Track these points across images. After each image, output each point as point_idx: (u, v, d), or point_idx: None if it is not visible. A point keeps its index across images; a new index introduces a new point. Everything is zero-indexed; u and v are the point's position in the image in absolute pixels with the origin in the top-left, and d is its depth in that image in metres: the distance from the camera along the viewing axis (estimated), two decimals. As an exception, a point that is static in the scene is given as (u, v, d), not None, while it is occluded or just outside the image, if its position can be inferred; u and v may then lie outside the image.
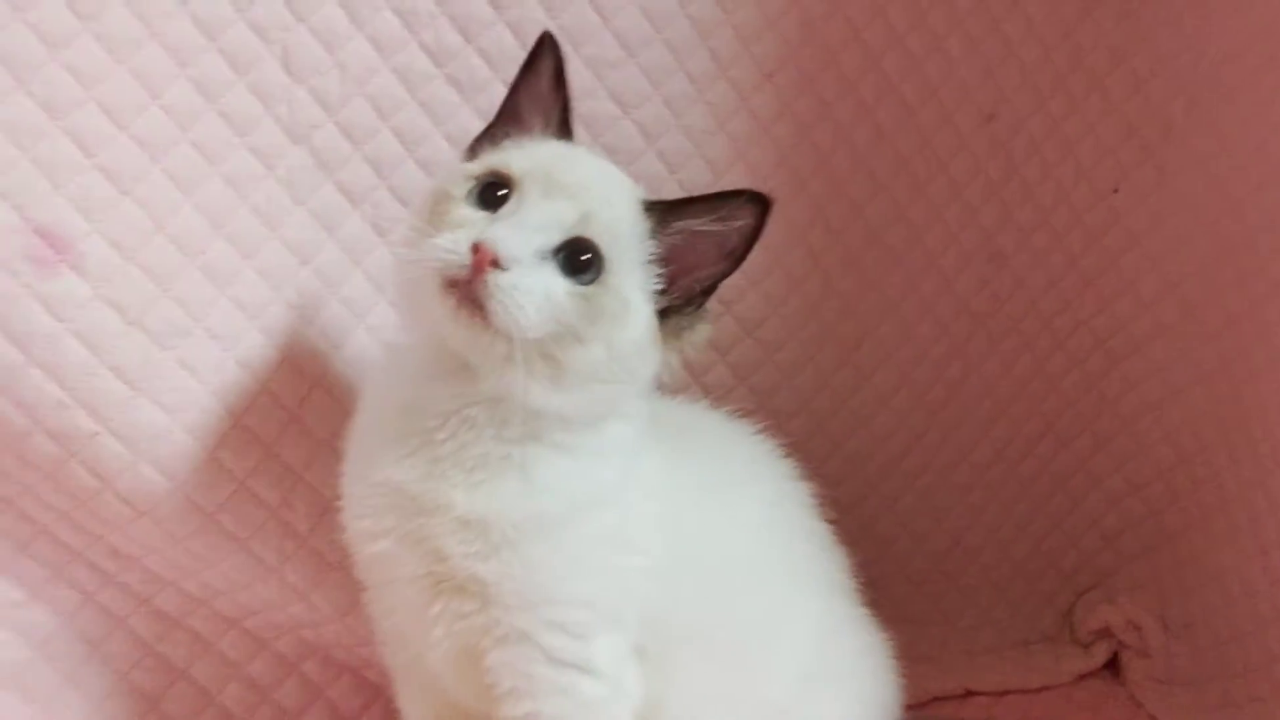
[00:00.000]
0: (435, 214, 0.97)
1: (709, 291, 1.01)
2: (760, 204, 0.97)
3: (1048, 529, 1.69)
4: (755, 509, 1.14)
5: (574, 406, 0.97)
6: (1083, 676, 1.67)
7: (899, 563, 1.62)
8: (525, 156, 0.99)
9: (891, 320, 1.52)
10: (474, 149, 1.04)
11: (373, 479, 0.99)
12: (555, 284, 0.93)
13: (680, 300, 1.00)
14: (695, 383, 1.43)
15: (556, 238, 0.94)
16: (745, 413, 1.34)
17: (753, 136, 1.39)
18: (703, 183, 1.37)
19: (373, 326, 1.27)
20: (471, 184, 0.97)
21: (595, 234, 0.95)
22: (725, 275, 1.00)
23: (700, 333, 1.02)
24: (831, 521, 1.42)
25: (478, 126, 1.17)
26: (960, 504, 1.63)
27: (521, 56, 1.06)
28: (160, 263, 1.14)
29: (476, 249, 0.90)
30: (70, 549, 1.20)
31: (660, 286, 0.98)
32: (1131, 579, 1.70)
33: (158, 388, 1.13)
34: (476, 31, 1.26)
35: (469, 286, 0.90)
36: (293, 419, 1.21)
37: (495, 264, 0.90)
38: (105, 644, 1.24)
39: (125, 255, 1.12)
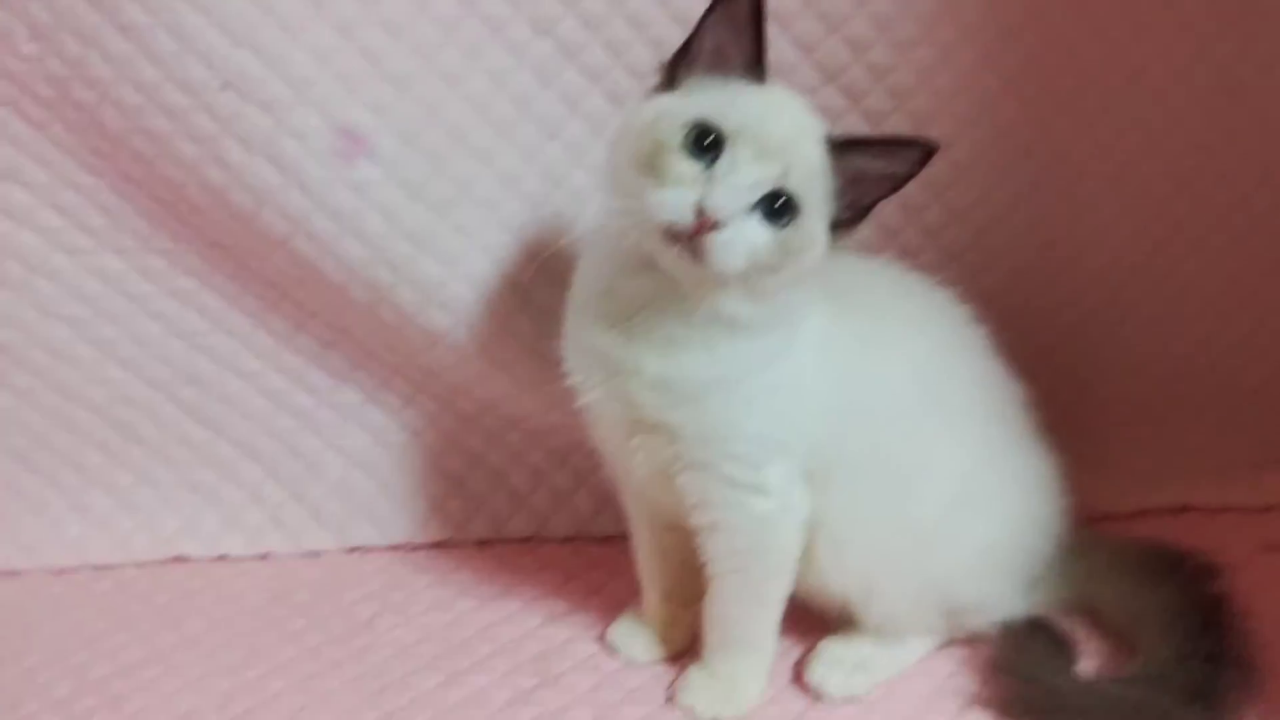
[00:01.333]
0: (651, 162, 1.11)
1: (873, 207, 1.17)
2: (924, 151, 1.13)
3: (1288, 355, 1.71)
4: (912, 354, 1.30)
5: (763, 314, 1.17)
6: (1312, 500, 1.72)
7: (1122, 386, 1.69)
8: (736, 110, 1.11)
9: (1114, 156, 1.57)
10: (670, 72, 1.16)
11: (583, 344, 1.24)
12: (760, 234, 1.10)
13: (849, 216, 1.17)
14: (911, 223, 1.57)
15: (764, 191, 1.10)
16: (960, 252, 1.50)
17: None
18: (912, 37, 1.47)
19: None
20: (683, 132, 1.10)
21: (793, 185, 1.11)
22: (886, 197, 1.16)
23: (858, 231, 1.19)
24: (1045, 347, 1.56)
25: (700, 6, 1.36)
26: (1188, 331, 1.68)
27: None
28: (435, 148, 1.42)
29: (700, 212, 1.08)
30: (392, 366, 1.56)
31: (836, 208, 1.16)
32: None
33: (438, 247, 1.44)
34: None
35: (690, 240, 1.08)
36: (543, 269, 1.47)
37: (715, 225, 1.08)
38: (423, 435, 1.61)
39: (408, 144, 1.41)
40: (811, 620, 1.44)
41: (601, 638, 1.44)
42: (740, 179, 1.09)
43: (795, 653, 1.42)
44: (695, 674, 1.35)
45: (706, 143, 1.10)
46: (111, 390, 1.54)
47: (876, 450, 1.27)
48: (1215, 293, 1.66)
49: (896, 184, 1.15)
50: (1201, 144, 1.58)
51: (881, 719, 1.34)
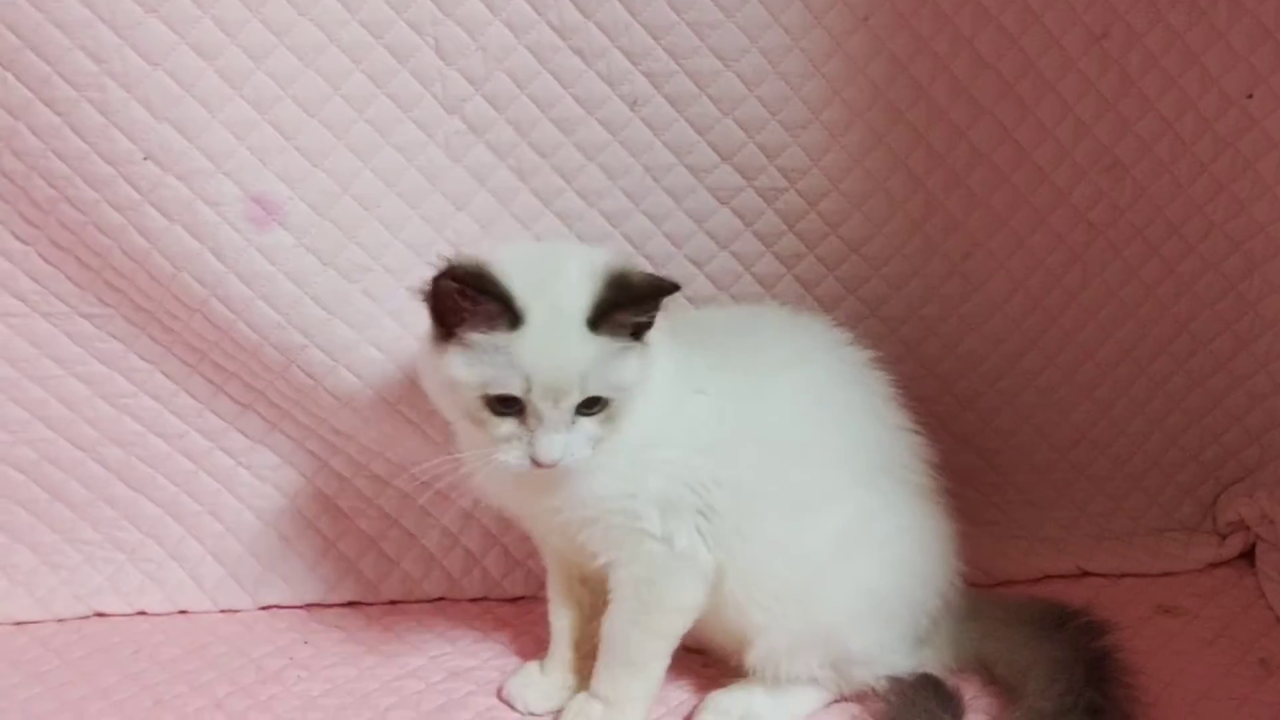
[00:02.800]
0: (471, 416, 1.23)
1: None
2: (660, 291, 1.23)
3: (1185, 424, 1.76)
4: (795, 389, 1.36)
5: (627, 428, 1.27)
6: (1213, 565, 1.76)
7: (1023, 452, 1.75)
8: (515, 373, 1.19)
9: (1001, 233, 1.64)
10: (447, 331, 1.22)
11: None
12: (588, 429, 1.22)
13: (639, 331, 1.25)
14: (808, 294, 1.64)
15: (569, 419, 1.21)
16: (856, 319, 1.56)
17: (848, 75, 1.55)
18: (801, 120, 1.56)
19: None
20: (482, 403, 1.20)
21: (594, 389, 1.21)
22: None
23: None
24: (946, 414, 1.63)
25: (600, 89, 1.50)
26: (1086, 400, 1.74)
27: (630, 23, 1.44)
28: (347, 216, 1.50)
29: (537, 463, 1.20)
30: (305, 427, 1.62)
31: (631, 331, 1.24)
32: (1276, 475, 1.75)
33: (348, 311, 1.51)
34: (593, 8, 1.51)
35: (539, 468, 1.21)
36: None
37: (548, 465, 1.20)
38: (337, 497, 1.66)
39: (320, 212, 1.49)
40: (706, 674, 1.48)
41: (493, 690, 1.48)
42: (553, 425, 1.20)
43: (688, 705, 1.45)
44: (577, 699, 1.40)
45: (506, 404, 1.20)
46: (40, 450, 1.60)
47: (764, 486, 1.33)
48: (1110, 363, 1.73)
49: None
50: (1087, 220, 1.66)
51: (768, 772, 1.37)
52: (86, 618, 1.64)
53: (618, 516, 1.30)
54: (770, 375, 1.36)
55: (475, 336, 1.19)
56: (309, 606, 1.67)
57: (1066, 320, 1.70)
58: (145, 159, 1.44)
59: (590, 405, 1.22)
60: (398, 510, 1.67)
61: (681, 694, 1.48)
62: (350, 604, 1.67)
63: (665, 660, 1.37)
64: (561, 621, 1.46)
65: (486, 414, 1.21)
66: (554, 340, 1.20)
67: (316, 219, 1.49)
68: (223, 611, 1.66)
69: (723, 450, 1.32)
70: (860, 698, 1.45)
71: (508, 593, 1.69)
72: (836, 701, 1.46)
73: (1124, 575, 1.74)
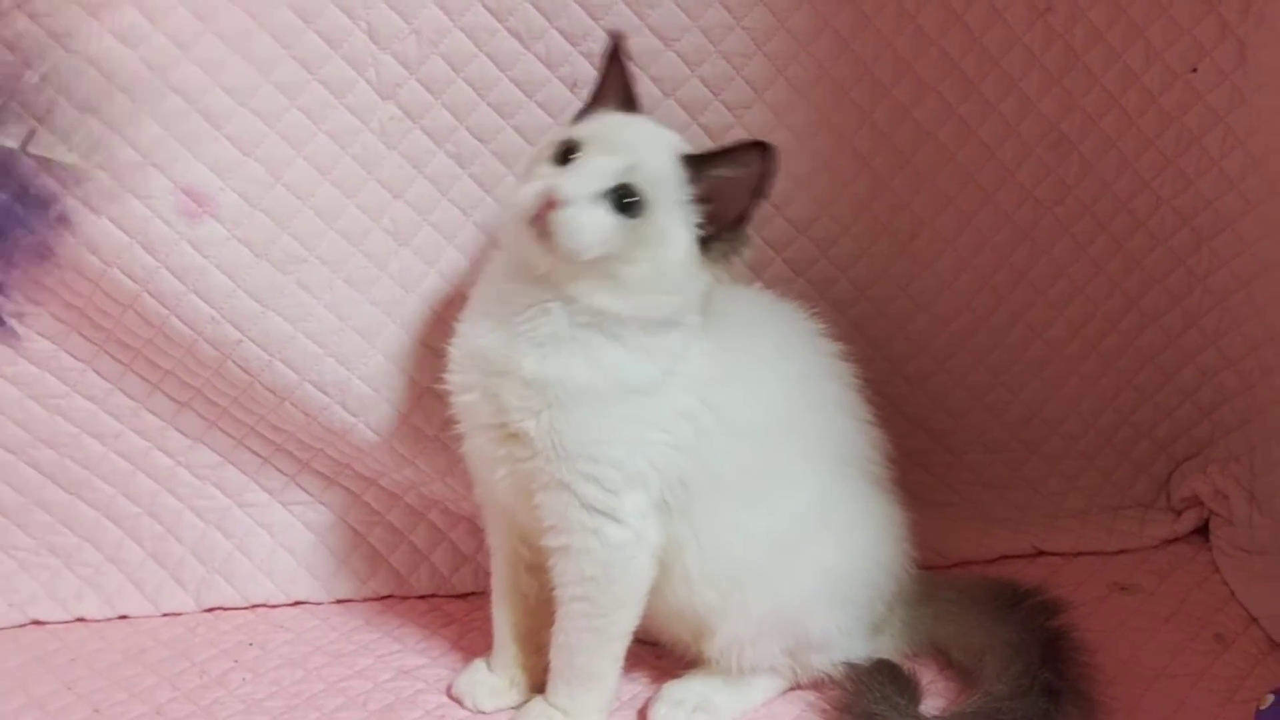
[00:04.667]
0: (528, 172, 1.27)
1: (743, 220, 1.26)
2: (762, 150, 1.23)
3: (1137, 401, 1.76)
4: (775, 377, 1.35)
5: (631, 310, 1.24)
6: (1168, 542, 1.75)
7: (975, 432, 1.74)
8: (591, 125, 1.28)
9: (948, 212, 1.63)
10: (577, 119, 1.32)
11: (467, 345, 1.31)
12: (605, 218, 1.20)
13: (718, 230, 1.25)
14: (756, 278, 1.62)
15: (608, 182, 1.21)
16: (805, 302, 1.54)
17: (790, 53, 1.53)
18: (744, 99, 1.54)
19: (461, 245, 1.54)
20: (553, 148, 1.26)
21: (639, 180, 1.22)
22: (751, 208, 1.26)
23: (742, 254, 1.29)
24: (897, 396, 1.61)
25: (539, 71, 1.45)
26: (1036, 378, 1.73)
27: (568, 3, 1.43)
28: (279, 207, 1.46)
29: (547, 193, 1.19)
30: (245, 425, 1.58)
31: (700, 220, 1.25)
32: (1227, 450, 1.75)
33: (282, 304, 1.47)
34: (531, -12, 1.48)
35: (541, 220, 1.19)
36: (392, 324, 1.52)
37: (557, 204, 1.18)
38: (280, 495, 1.62)
39: (252, 203, 1.45)
40: (660, 665, 1.46)
41: (442, 688, 1.45)
42: (586, 168, 1.22)
43: (643, 697, 1.43)
44: (536, 704, 1.37)
45: (569, 155, 1.24)
46: (-33, 456, 1.55)
47: (735, 468, 1.32)
48: (1059, 341, 1.72)
49: (752, 190, 1.25)
50: (1035, 197, 1.65)
51: (724, 762, 1.35)
52: (22, 626, 1.59)
53: (590, 487, 1.27)
54: (748, 361, 1.34)
55: (599, 111, 1.30)
56: (254, 607, 1.63)
57: (1015, 298, 1.69)
58: (69, 151, 1.39)
59: (627, 205, 1.21)
60: (343, 508, 1.63)
61: (636, 686, 1.46)
62: (296, 604, 1.64)
63: (620, 663, 1.36)
64: (507, 616, 1.44)
65: (543, 165, 1.25)
66: (637, 124, 1.29)
67: (248, 210, 1.45)
68: (164, 615, 1.62)
69: (704, 437, 1.30)
70: (816, 685, 1.44)
71: (456, 589, 1.65)
72: (792, 690, 1.44)
73: (1080, 554, 1.73)
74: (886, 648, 1.46)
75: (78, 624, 1.60)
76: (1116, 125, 1.62)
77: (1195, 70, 1.61)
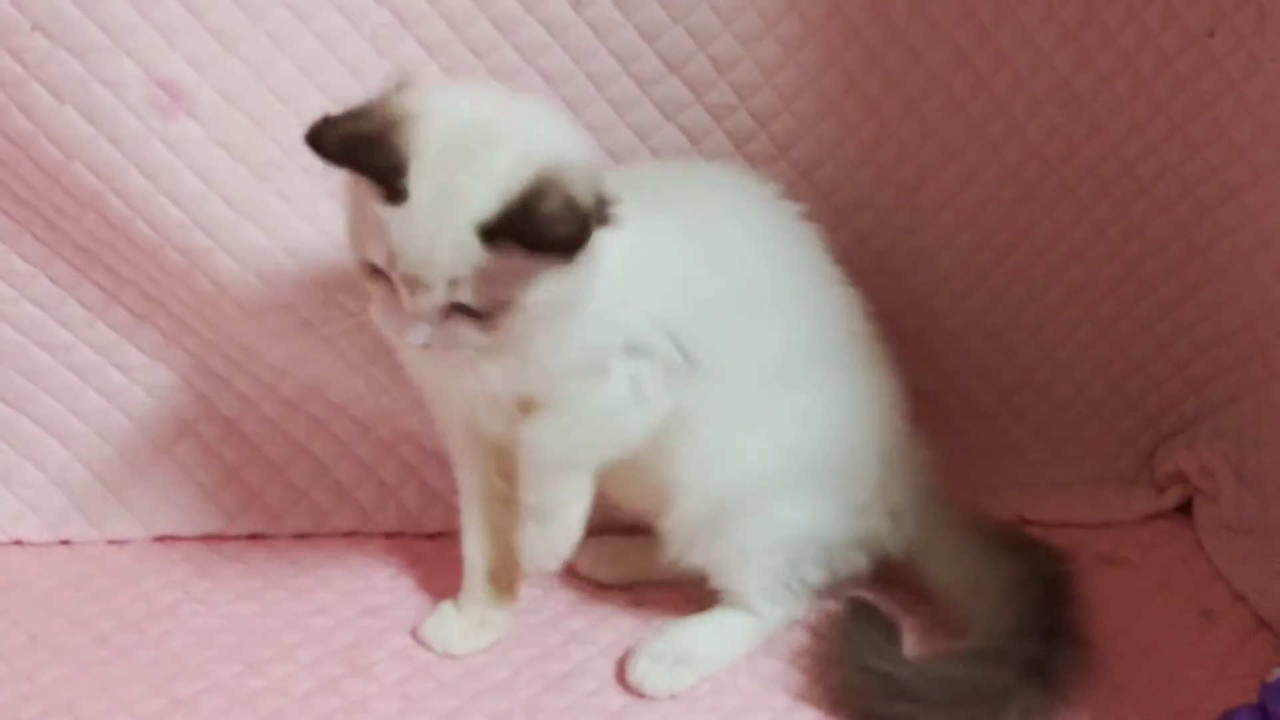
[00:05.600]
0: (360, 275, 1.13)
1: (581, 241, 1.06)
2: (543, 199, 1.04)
3: (1128, 371, 1.72)
4: (738, 249, 1.28)
5: (535, 340, 1.13)
6: (1151, 517, 1.72)
7: (964, 396, 1.69)
8: (379, 247, 1.06)
9: (954, 165, 1.57)
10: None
11: None
12: (466, 331, 1.09)
13: (584, 236, 1.06)
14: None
15: (440, 312, 1.07)
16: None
17: (805, -12, 1.47)
18: (756, 31, 1.47)
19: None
20: (360, 265, 1.10)
21: (466, 294, 1.05)
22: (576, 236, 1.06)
23: (607, 220, 1.09)
24: (888, 354, 1.56)
25: None
26: (1030, 342, 1.68)
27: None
28: (261, 109, 1.37)
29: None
30: (208, 342, 1.48)
31: (558, 244, 1.05)
32: (1215, 427, 1.72)
33: (259, 213, 1.38)
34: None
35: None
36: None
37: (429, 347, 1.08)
38: (242, 422, 1.53)
39: (231, 102, 1.36)
40: (638, 614, 1.40)
41: (408, 628, 1.38)
42: (416, 311, 1.07)
43: (618, 648, 1.37)
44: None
45: (379, 271, 1.08)
46: (-98, 362, 1.44)
47: (703, 338, 1.23)
48: (1055, 306, 1.67)
49: (543, 256, 1.06)
50: (1042, 155, 1.60)
51: (707, 716, 1.29)
52: (-46, 547, 1.49)
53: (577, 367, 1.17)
54: (720, 234, 1.27)
55: (362, 193, 1.06)
56: (206, 538, 1.54)
57: (1016, 259, 1.64)
58: (33, 30, 1.29)
59: (475, 312, 1.07)
60: (307, 437, 1.54)
61: (612, 634, 1.39)
62: (252, 536, 1.55)
63: (593, 472, 1.24)
64: (477, 551, 1.37)
65: (363, 275, 1.10)
66: (430, 228, 1.03)
67: (227, 109, 1.36)
68: (110, 543, 1.52)
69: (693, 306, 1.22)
70: (796, 634, 1.39)
71: (425, 528, 1.57)
72: (773, 641, 1.39)
73: (1064, 524, 1.69)
74: (873, 533, 1.39)
75: (14, 547, 1.50)
76: (1130, 86, 1.58)
77: (1212, 34, 1.56)
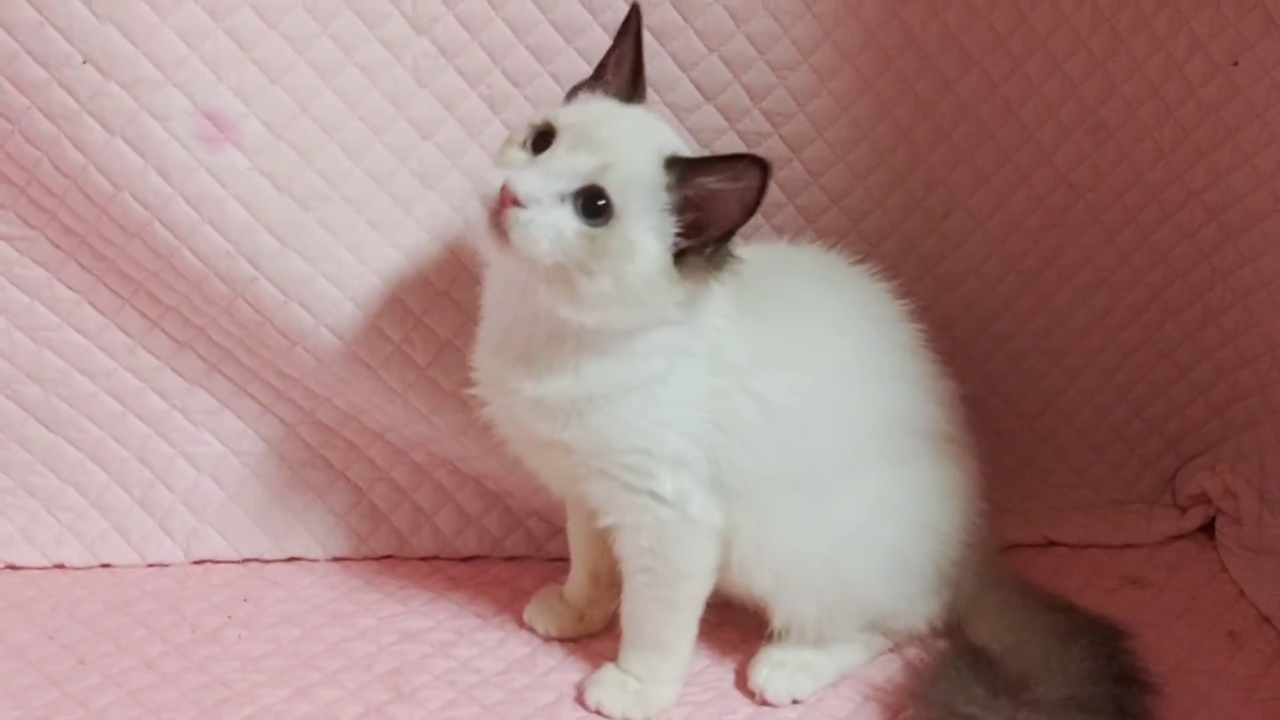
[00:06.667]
0: (500, 155, 1.18)
1: (727, 236, 1.16)
2: (760, 167, 1.12)
3: (1151, 395, 1.74)
4: (827, 364, 1.29)
5: (593, 322, 1.15)
6: (1174, 538, 1.74)
7: (988, 420, 1.69)
8: (572, 112, 1.17)
9: (983, 191, 1.60)
10: (570, 96, 1.24)
11: (479, 362, 1.27)
12: (567, 223, 1.10)
13: (700, 244, 1.15)
14: (783, 245, 1.57)
15: (575, 184, 1.11)
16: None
17: (839, 16, 1.48)
18: (790, 60, 1.49)
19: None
20: (530, 132, 1.16)
21: (609, 183, 1.11)
22: (738, 225, 1.15)
23: (724, 269, 1.18)
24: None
25: (581, 16, 1.37)
26: (1055, 368, 1.70)
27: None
28: (305, 139, 1.39)
29: (504, 188, 1.09)
30: (249, 369, 1.50)
31: (679, 230, 1.14)
32: (1237, 449, 1.74)
33: (302, 242, 1.40)
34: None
35: (497, 216, 1.10)
36: (415, 271, 1.45)
37: (516, 202, 1.09)
38: (280, 445, 1.54)
39: (276, 133, 1.38)
40: (750, 626, 1.41)
41: (450, 652, 1.40)
42: (552, 165, 1.11)
43: (736, 657, 1.40)
44: (608, 671, 1.33)
45: (545, 141, 1.14)
46: (-53, 384, 1.45)
47: (781, 456, 1.26)
48: (1080, 330, 1.69)
49: (742, 206, 1.13)
50: (1069, 182, 1.62)
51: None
52: (-2, 570, 1.50)
53: (627, 474, 1.22)
54: (791, 344, 1.28)
55: (583, 96, 1.20)
56: (246, 561, 1.55)
57: (1042, 284, 1.66)
58: (84, 63, 1.31)
59: (594, 209, 1.11)
60: (344, 462, 1.56)
61: (726, 645, 1.41)
62: (291, 560, 1.56)
63: (693, 630, 1.32)
64: (581, 551, 1.42)
65: (515, 150, 1.16)
66: (625, 120, 1.16)
67: (272, 140, 1.37)
68: (150, 566, 1.53)
69: (731, 412, 1.24)
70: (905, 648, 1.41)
71: (460, 552, 1.59)
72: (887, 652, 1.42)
73: (1088, 546, 1.71)
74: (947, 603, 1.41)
75: (56, 571, 1.52)
76: (1155, 114, 1.60)
77: (1237, 64, 1.59)
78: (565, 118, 1.15)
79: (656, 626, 1.29)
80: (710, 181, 1.13)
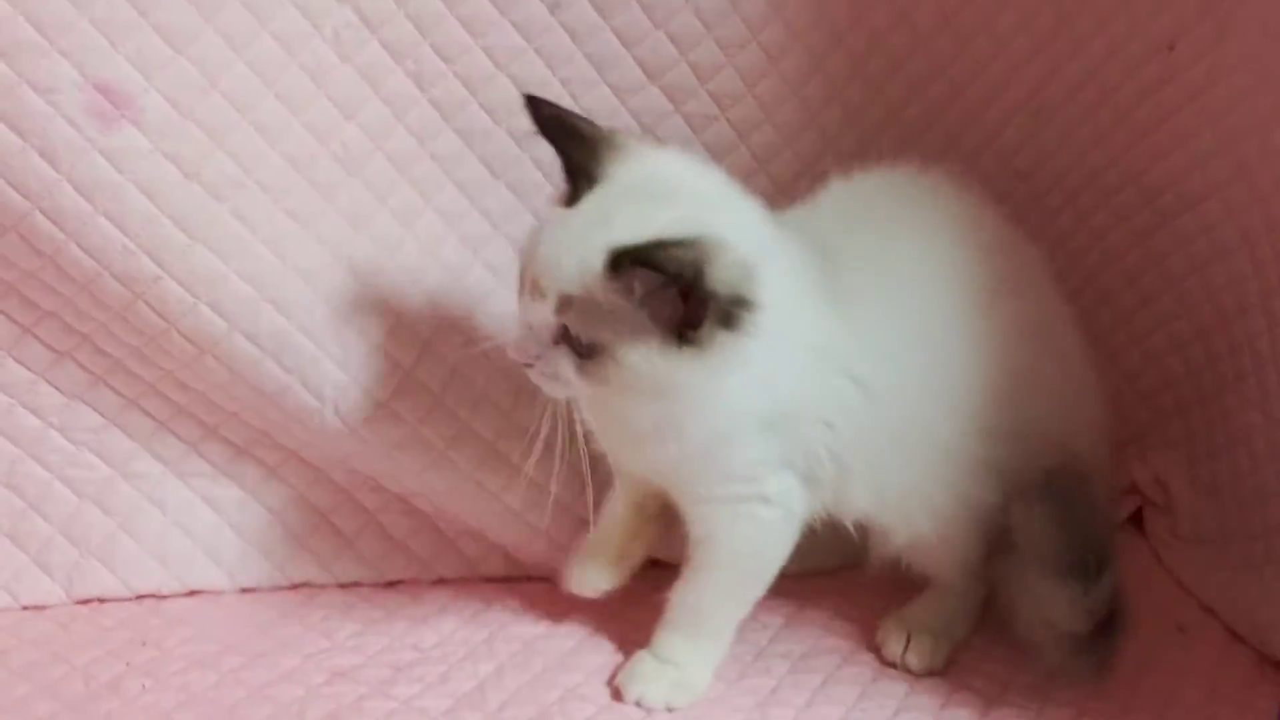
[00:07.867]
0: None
1: (704, 302, 1.04)
2: (697, 251, 1.03)
3: (1082, 382, 1.72)
4: (918, 333, 1.25)
5: (655, 415, 1.13)
6: (1102, 529, 1.72)
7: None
8: (529, 242, 1.10)
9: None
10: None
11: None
12: (567, 368, 1.08)
13: (692, 321, 1.05)
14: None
15: (548, 332, 1.08)
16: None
17: (790, -5, 1.40)
18: (739, 39, 1.40)
19: (415, 180, 1.35)
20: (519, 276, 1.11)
21: (571, 320, 1.06)
22: (696, 309, 1.05)
23: (741, 326, 1.07)
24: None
25: None
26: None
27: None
28: (215, 118, 1.22)
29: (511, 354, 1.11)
30: (144, 382, 1.32)
31: (661, 322, 1.05)
32: (1165, 437, 1.73)
33: (213, 236, 1.23)
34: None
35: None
36: (339, 267, 1.30)
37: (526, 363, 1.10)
38: (180, 464, 1.37)
39: (182, 111, 1.20)
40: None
41: (389, 691, 1.26)
42: (526, 318, 1.09)
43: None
44: (644, 662, 1.29)
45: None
46: None
47: (885, 434, 1.23)
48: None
49: (684, 295, 1.04)
50: (1014, 166, 1.59)
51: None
52: None
53: (739, 485, 1.20)
54: (878, 319, 1.22)
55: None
56: (140, 598, 1.38)
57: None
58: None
59: (579, 345, 1.07)
60: (254, 483, 1.40)
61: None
62: (192, 594, 1.39)
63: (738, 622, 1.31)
64: (619, 519, 1.33)
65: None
66: (571, 237, 1.06)
67: (177, 119, 1.20)
68: (25, 608, 1.34)
69: (838, 408, 1.21)
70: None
71: (384, 576, 1.44)
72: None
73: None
74: None
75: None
76: (1096, 96, 1.57)
77: (1172, 48, 1.57)
78: (525, 253, 1.10)
79: (724, 617, 1.29)
80: (646, 274, 1.03)
